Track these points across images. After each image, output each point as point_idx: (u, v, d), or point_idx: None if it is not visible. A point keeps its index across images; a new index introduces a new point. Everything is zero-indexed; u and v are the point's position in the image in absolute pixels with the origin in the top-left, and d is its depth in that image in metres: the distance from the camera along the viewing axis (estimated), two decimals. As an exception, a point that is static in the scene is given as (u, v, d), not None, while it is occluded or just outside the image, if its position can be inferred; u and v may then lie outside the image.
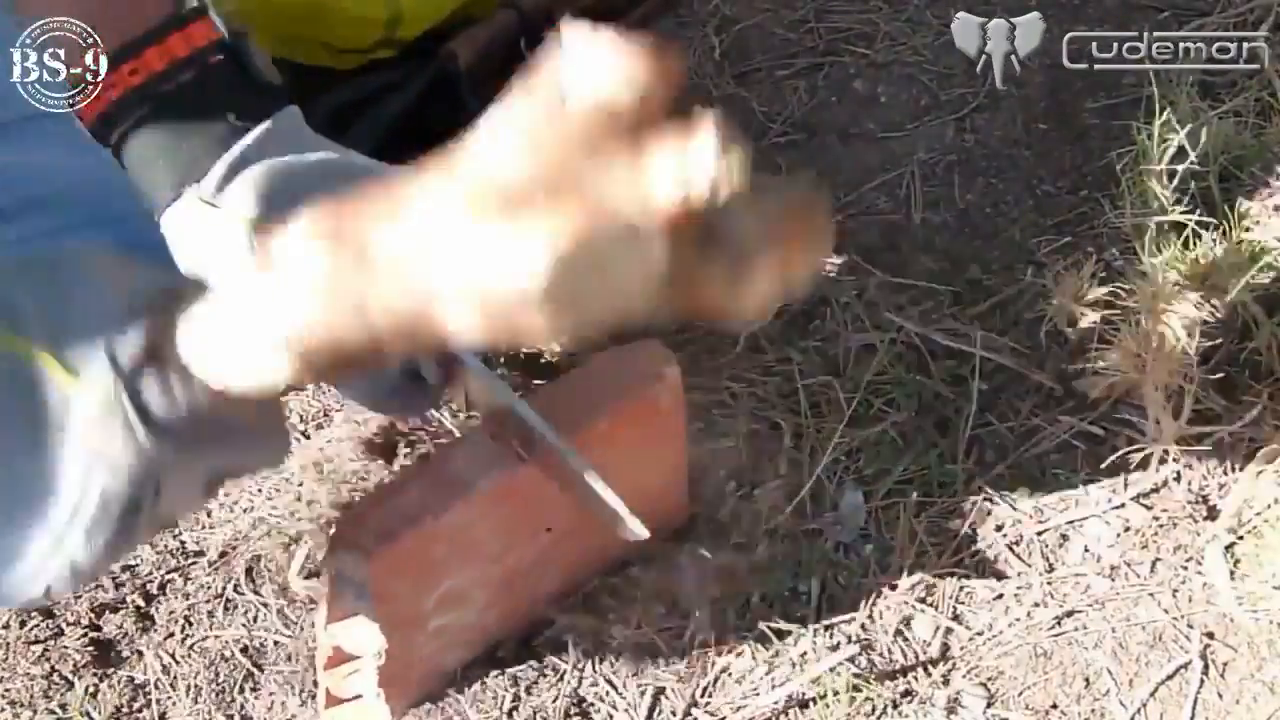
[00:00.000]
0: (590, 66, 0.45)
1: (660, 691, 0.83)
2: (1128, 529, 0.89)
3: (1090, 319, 0.97)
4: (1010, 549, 0.89)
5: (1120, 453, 0.92)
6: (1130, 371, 0.91)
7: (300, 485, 0.98)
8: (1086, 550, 0.88)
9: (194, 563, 0.94)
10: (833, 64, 1.23)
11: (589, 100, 0.45)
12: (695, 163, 0.44)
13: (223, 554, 0.94)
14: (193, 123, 0.64)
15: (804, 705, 0.82)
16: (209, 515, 0.97)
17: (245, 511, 0.97)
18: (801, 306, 1.03)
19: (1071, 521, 0.90)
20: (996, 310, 1.03)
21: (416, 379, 0.68)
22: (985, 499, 0.91)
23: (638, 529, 0.68)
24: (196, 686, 0.87)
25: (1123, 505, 0.90)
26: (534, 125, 0.45)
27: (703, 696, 0.83)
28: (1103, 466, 0.92)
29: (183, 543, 0.96)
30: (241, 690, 0.87)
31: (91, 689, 0.87)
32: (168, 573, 0.94)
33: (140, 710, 0.86)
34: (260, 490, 0.98)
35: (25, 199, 0.99)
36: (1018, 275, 1.04)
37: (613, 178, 0.45)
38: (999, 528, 0.90)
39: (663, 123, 0.45)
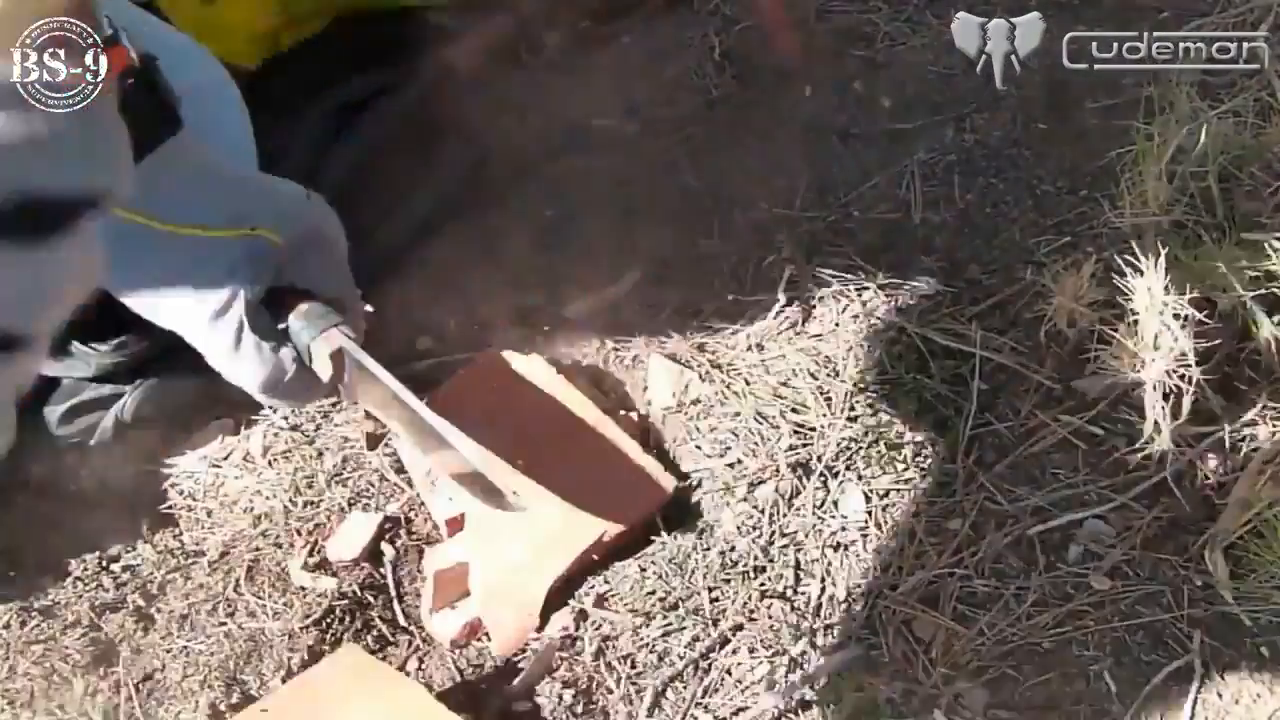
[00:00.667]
0: None
1: (660, 691, 0.83)
2: (1128, 529, 0.89)
3: (1090, 319, 0.97)
4: (1010, 549, 0.89)
5: (1120, 453, 0.92)
6: (1130, 371, 0.91)
7: (299, 484, 0.98)
8: (1086, 550, 0.88)
9: (194, 563, 0.94)
10: (833, 64, 1.23)
11: None
12: None
13: (223, 554, 0.95)
14: None
15: (805, 705, 0.82)
16: (209, 515, 0.98)
17: (245, 511, 0.97)
18: (801, 307, 1.04)
19: (1071, 521, 0.90)
20: (996, 310, 1.02)
21: (308, 371, 0.74)
22: (985, 499, 0.91)
23: (515, 501, 0.75)
24: (197, 686, 0.87)
25: (1123, 505, 0.90)
26: None
27: (703, 696, 0.83)
28: (1103, 466, 0.92)
29: (183, 543, 0.96)
30: (242, 690, 0.87)
31: (91, 689, 0.87)
32: (168, 573, 0.94)
33: (140, 709, 0.86)
34: (260, 490, 0.98)
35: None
36: (1018, 275, 1.04)
37: None
38: (999, 527, 0.90)
39: None
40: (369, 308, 0.80)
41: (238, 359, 0.73)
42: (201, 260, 0.71)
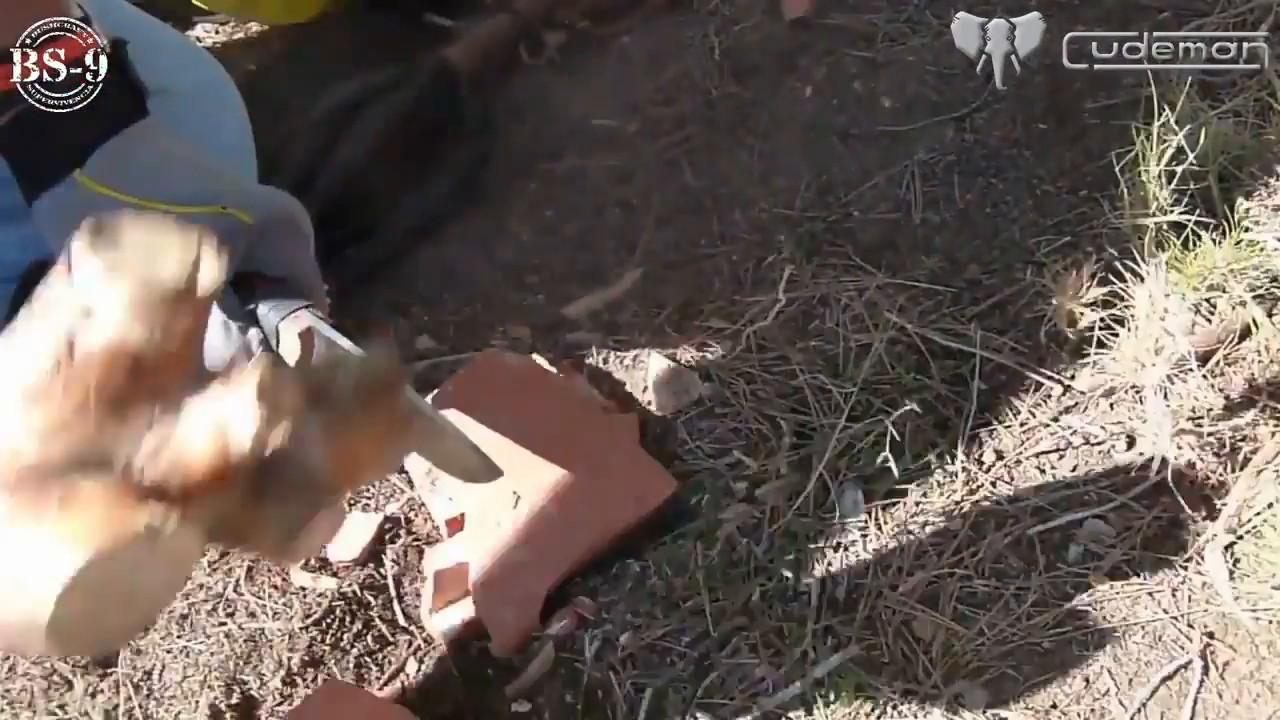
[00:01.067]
0: (96, 302, 0.38)
1: (660, 692, 0.83)
2: (1128, 529, 0.89)
3: (1090, 319, 0.97)
4: (1010, 549, 0.89)
5: (1120, 453, 0.92)
6: (1130, 371, 0.91)
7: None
8: (1086, 550, 0.88)
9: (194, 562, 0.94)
10: (833, 64, 1.23)
11: (99, 346, 0.38)
12: (234, 419, 0.39)
13: (223, 554, 0.95)
14: (78, 117, 0.70)
15: (805, 706, 0.82)
16: (209, 515, 0.98)
17: (245, 511, 0.97)
18: (801, 307, 1.04)
19: (1071, 521, 0.90)
20: (996, 310, 1.03)
21: (275, 353, 0.73)
22: (985, 499, 0.91)
23: (494, 470, 0.73)
24: (197, 686, 0.87)
25: (1123, 505, 0.90)
26: (41, 385, 0.39)
27: (703, 696, 0.83)
28: (1103, 467, 0.92)
29: (183, 543, 0.96)
30: (242, 690, 0.87)
31: (91, 689, 0.87)
32: (168, 573, 0.94)
33: (140, 710, 0.86)
34: (260, 490, 0.98)
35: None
36: (1017, 275, 1.04)
37: (141, 443, 0.39)
38: (999, 527, 0.90)
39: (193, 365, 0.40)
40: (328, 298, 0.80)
41: (204, 340, 0.72)
42: None
